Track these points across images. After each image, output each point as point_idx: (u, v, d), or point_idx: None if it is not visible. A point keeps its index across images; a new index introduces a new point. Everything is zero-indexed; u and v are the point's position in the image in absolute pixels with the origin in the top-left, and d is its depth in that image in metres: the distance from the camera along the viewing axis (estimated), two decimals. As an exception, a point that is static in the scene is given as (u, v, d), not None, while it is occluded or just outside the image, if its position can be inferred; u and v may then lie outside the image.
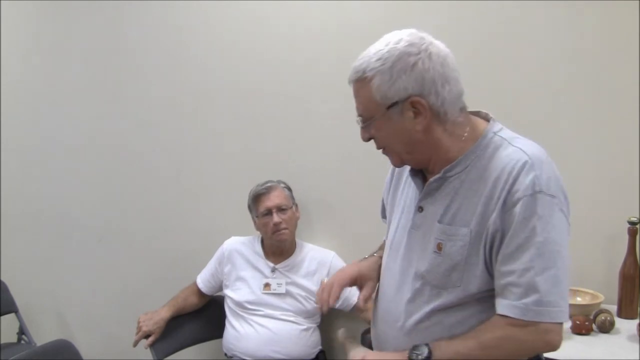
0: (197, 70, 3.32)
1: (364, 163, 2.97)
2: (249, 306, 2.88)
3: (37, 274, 3.85)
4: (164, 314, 2.94)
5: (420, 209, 1.71)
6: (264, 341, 2.81)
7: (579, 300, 2.58)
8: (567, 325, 2.35)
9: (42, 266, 3.84)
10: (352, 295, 2.84)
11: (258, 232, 2.99)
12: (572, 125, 2.71)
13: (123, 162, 3.56)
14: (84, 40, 3.57)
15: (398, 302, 1.73)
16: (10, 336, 3.70)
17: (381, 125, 1.64)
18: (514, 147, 1.62)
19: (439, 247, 1.63)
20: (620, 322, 2.45)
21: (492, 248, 1.57)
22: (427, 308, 1.66)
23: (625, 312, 2.53)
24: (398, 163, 1.74)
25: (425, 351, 1.61)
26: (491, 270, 1.59)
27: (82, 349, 2.70)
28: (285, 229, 2.87)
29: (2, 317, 3.59)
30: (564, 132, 2.71)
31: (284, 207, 2.88)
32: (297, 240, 3.00)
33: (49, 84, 3.69)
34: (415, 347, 1.63)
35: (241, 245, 3.01)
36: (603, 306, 2.48)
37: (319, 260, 2.94)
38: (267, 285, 2.88)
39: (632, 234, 2.52)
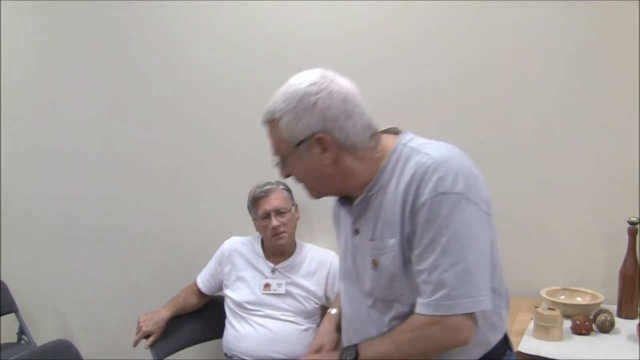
0: (198, 70, 3.32)
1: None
2: (249, 306, 2.88)
3: (37, 274, 3.85)
4: (164, 314, 2.94)
5: (356, 231, 1.78)
6: (264, 341, 2.81)
7: (579, 300, 2.58)
8: (567, 325, 2.36)
9: (42, 266, 3.84)
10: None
11: (258, 233, 2.99)
12: (572, 125, 2.71)
13: (123, 162, 3.56)
14: (84, 41, 3.57)
15: (359, 323, 1.80)
16: (10, 336, 3.70)
17: (294, 162, 1.72)
18: (421, 153, 1.67)
19: (375, 263, 1.71)
20: (620, 322, 2.44)
21: (411, 251, 1.64)
22: (385, 321, 1.73)
23: (625, 312, 2.53)
24: (316, 196, 1.82)
25: (353, 352, 1.72)
26: None
27: (82, 349, 2.71)
28: (283, 232, 2.86)
29: (2, 317, 3.59)
30: (564, 132, 2.72)
31: (282, 210, 2.87)
32: (297, 240, 3.00)
33: (49, 84, 3.69)
34: (346, 348, 1.76)
35: (241, 246, 3.01)
36: (603, 306, 2.48)
37: (319, 261, 2.94)
38: (267, 285, 2.88)
39: (632, 234, 2.52)
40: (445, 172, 1.59)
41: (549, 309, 2.35)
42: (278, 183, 2.92)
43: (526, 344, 2.25)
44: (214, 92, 3.29)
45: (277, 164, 1.77)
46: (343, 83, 1.70)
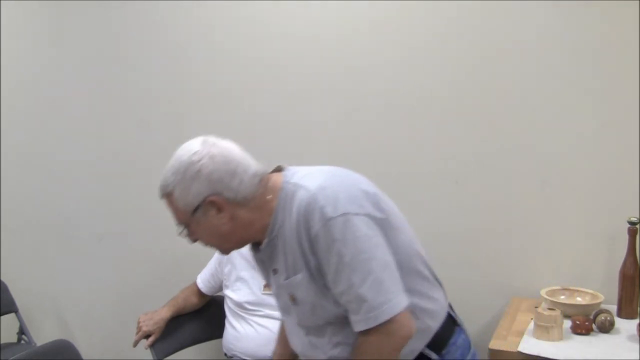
0: (198, 70, 3.31)
1: (363, 163, 2.97)
2: (249, 306, 2.88)
3: (37, 274, 3.85)
4: (164, 314, 2.93)
5: (274, 271, 1.87)
6: (264, 341, 2.80)
7: (579, 300, 2.59)
8: (568, 325, 2.36)
9: (42, 266, 3.84)
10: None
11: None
12: (572, 125, 2.71)
13: (123, 162, 3.56)
14: (84, 42, 3.56)
15: (307, 350, 1.92)
16: (10, 336, 3.70)
17: (195, 228, 1.80)
18: (302, 188, 1.75)
19: (292, 299, 1.83)
20: (620, 322, 2.45)
21: (322, 278, 1.74)
22: (325, 342, 1.85)
23: (625, 312, 2.53)
24: (225, 252, 1.94)
25: None
26: None
27: (82, 349, 2.70)
28: None
29: (2, 317, 3.59)
30: (564, 132, 2.72)
31: None
32: None
33: (49, 84, 3.68)
34: None
35: None
36: (603, 306, 2.48)
37: None
38: (267, 285, 2.88)
39: (632, 234, 2.52)
40: (325, 200, 1.68)
41: (549, 309, 2.35)
42: None
43: (526, 344, 2.25)
44: (214, 92, 3.28)
45: (181, 232, 1.84)
46: (223, 145, 1.81)
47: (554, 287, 2.65)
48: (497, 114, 2.81)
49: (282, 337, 2.14)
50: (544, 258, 2.79)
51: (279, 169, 1.88)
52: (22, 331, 3.61)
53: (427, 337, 1.84)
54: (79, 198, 3.69)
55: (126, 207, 3.59)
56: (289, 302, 1.86)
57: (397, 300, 1.67)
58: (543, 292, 2.59)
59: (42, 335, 3.61)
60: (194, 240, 1.86)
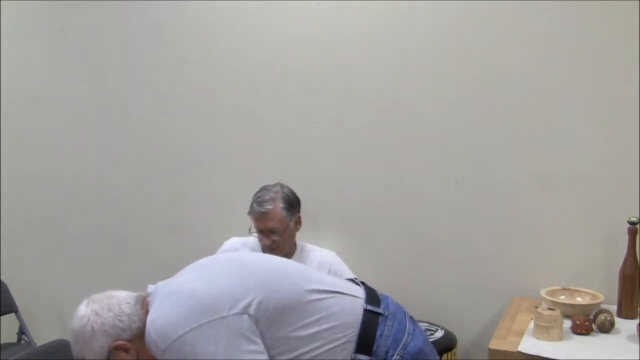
0: (199, 70, 3.31)
1: (364, 165, 2.99)
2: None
3: (37, 274, 3.85)
4: None
5: None
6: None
7: (579, 300, 2.59)
8: (568, 325, 2.36)
9: (42, 266, 3.84)
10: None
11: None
12: (572, 125, 2.71)
13: (123, 162, 3.56)
14: (84, 42, 3.56)
15: None
16: (10, 336, 3.69)
17: None
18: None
19: None
20: (620, 322, 2.45)
21: None
22: None
23: (625, 312, 2.53)
24: None
25: None
26: None
27: (82, 349, 2.70)
28: (275, 248, 2.84)
29: (2, 317, 3.59)
30: (564, 132, 2.72)
31: (276, 230, 2.83)
32: (298, 241, 2.99)
33: (49, 83, 3.68)
34: None
35: (241, 246, 3.00)
36: (603, 306, 2.49)
37: (319, 261, 2.93)
38: None
39: (632, 234, 2.52)
40: (158, 332, 1.77)
41: (549, 309, 2.35)
42: (281, 193, 2.86)
43: (526, 344, 2.25)
44: (215, 92, 3.28)
45: None
46: (101, 297, 1.92)
47: (554, 287, 2.65)
48: (497, 114, 2.81)
49: None
50: (544, 258, 2.79)
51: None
52: (22, 331, 3.61)
53: (351, 346, 1.83)
54: (79, 198, 3.69)
55: (126, 207, 3.59)
56: None
57: None
58: (543, 292, 2.59)
59: (42, 335, 3.61)
60: None
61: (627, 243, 2.54)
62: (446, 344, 2.63)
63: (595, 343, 2.29)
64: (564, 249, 2.77)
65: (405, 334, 1.89)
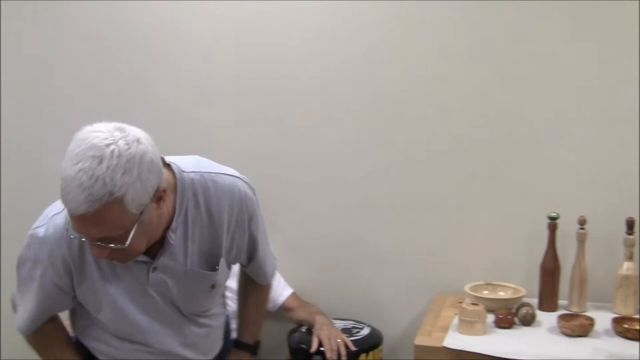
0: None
1: (283, 161, 2.96)
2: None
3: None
4: None
5: (154, 269, 1.77)
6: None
7: (501, 294, 2.62)
8: (491, 319, 2.39)
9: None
10: (279, 295, 2.82)
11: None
12: (491, 124, 2.75)
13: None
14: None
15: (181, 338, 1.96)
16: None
17: (136, 233, 1.55)
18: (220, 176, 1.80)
19: (213, 286, 1.89)
20: (541, 315, 2.49)
21: (234, 255, 1.94)
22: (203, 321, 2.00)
23: (546, 305, 2.58)
24: (132, 258, 1.69)
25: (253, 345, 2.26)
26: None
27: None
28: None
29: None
30: (483, 129, 2.75)
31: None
32: None
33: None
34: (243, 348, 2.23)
35: None
36: (525, 300, 2.52)
37: None
38: None
39: (552, 228, 2.58)
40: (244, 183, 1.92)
41: (473, 304, 2.37)
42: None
43: (451, 339, 2.27)
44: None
45: (107, 247, 1.56)
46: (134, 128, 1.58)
47: (478, 283, 2.68)
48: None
49: None
50: (467, 254, 2.82)
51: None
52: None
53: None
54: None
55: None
56: (196, 292, 1.87)
57: None
58: (467, 288, 2.62)
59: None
60: (123, 255, 1.62)
61: (547, 238, 2.59)
62: (372, 342, 2.62)
63: (518, 336, 2.33)
64: (487, 245, 2.80)
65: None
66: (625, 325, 2.31)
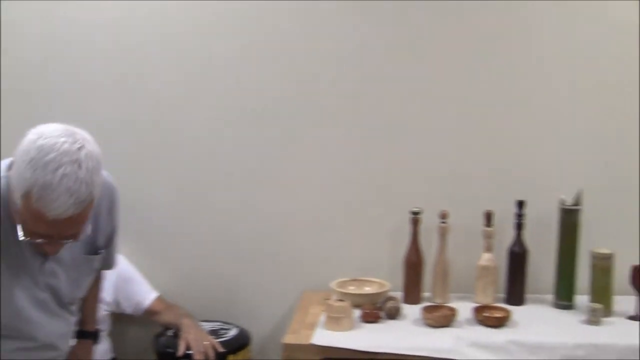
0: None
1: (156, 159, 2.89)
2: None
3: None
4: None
5: (47, 259, 1.81)
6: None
7: (367, 289, 2.66)
8: (357, 314, 2.42)
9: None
10: (143, 299, 2.74)
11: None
12: (361, 121, 2.78)
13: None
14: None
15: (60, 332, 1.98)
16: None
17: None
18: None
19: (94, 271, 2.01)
20: (406, 308, 2.55)
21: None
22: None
23: (411, 297, 2.64)
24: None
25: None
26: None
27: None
28: None
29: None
30: (356, 129, 2.78)
31: None
32: None
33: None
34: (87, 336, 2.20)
35: None
36: (391, 294, 2.57)
37: None
38: None
39: (415, 223, 2.64)
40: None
41: (339, 300, 2.39)
42: None
43: (319, 336, 2.28)
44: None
45: (62, 243, 1.70)
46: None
47: (344, 279, 2.70)
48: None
49: None
50: (333, 251, 2.84)
51: None
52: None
53: None
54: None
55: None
56: (81, 277, 1.92)
57: None
58: (333, 284, 2.64)
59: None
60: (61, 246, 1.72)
61: (410, 232, 2.65)
62: (240, 342, 2.59)
63: (384, 329, 2.37)
64: (352, 241, 2.83)
65: None
66: (485, 314, 2.40)
